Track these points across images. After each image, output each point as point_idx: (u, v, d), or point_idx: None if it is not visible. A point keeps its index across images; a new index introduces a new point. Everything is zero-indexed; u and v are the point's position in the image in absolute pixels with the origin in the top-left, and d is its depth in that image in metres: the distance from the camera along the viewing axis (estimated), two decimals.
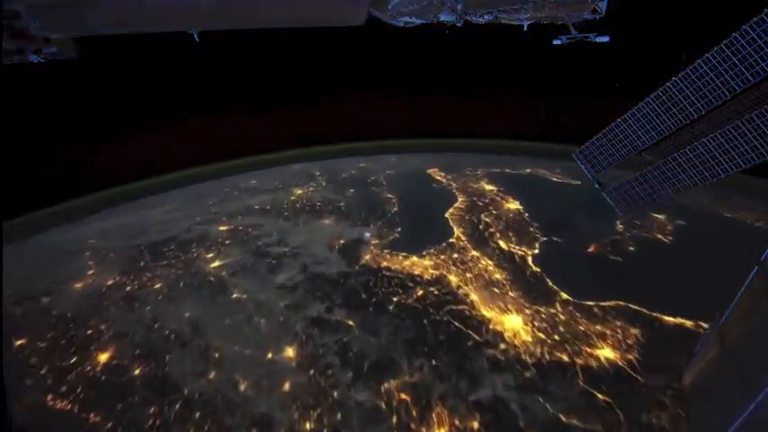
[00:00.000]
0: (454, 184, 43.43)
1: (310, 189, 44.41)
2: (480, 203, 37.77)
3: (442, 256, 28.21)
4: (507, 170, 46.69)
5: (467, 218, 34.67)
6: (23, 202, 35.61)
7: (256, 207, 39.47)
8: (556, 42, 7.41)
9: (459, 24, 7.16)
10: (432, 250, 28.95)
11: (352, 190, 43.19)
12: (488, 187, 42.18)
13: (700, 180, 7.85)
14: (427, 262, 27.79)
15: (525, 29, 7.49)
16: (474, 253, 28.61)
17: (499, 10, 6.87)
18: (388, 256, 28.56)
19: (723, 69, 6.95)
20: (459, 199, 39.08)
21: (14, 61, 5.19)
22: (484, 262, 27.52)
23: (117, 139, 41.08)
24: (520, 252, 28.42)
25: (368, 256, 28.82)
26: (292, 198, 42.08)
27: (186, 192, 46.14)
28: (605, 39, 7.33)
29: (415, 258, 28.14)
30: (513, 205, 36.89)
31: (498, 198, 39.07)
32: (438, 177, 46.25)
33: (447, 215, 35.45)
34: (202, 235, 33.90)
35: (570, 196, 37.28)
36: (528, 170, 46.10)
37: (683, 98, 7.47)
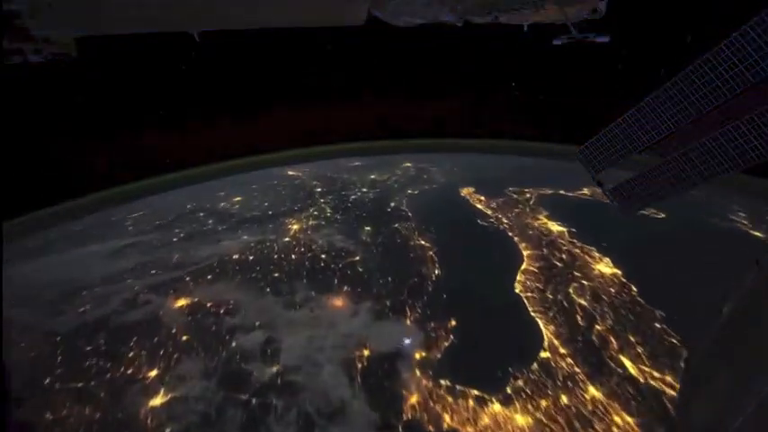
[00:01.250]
0: (506, 220, 31.57)
1: (311, 222, 32.87)
2: (557, 262, 25.50)
3: (544, 402, 16.12)
4: (561, 191, 35.63)
5: (550, 297, 22.27)
6: (23, 202, 35.68)
7: (235, 257, 28.02)
8: (556, 42, 7.42)
9: (459, 24, 7.17)
10: (519, 381, 17.10)
11: (368, 228, 31.10)
12: (554, 227, 29.82)
13: (699, 180, 7.87)
14: (521, 418, 15.66)
15: (525, 29, 7.50)
16: (593, 392, 16.53)
17: (499, 10, 6.88)
18: (449, 398, 16.52)
19: (723, 69, 6.96)
20: (525, 252, 26.79)
21: (14, 61, 5.19)
22: (619, 419, 15.36)
23: (117, 138, 41.16)
24: (667, 389, 16.45)
25: (414, 398, 16.65)
26: (286, 239, 30.19)
27: (158, 207, 37.01)
28: (605, 39, 7.34)
29: (497, 406, 16.12)
30: (606, 267, 24.51)
31: (578, 251, 26.63)
32: (479, 205, 34.81)
33: (518, 289, 23.27)
34: (149, 318, 21.93)
35: (665, 240, 25.50)
36: (585, 191, 34.98)
37: (682, 98, 7.48)
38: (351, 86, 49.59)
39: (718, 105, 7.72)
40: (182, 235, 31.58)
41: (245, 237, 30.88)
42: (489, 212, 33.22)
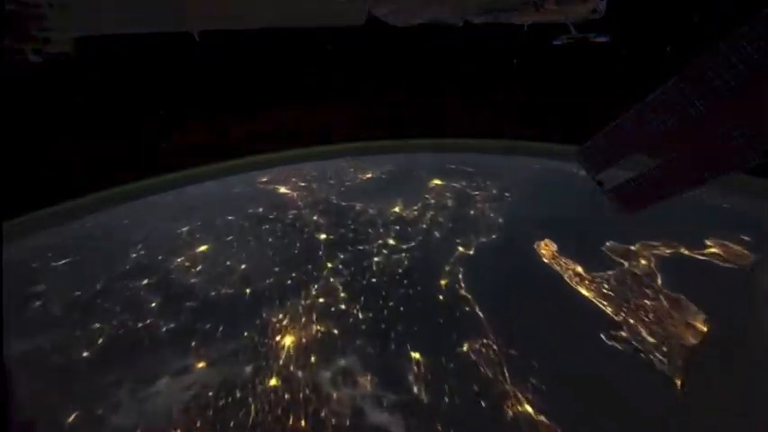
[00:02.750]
0: (649, 335, 18.27)
1: (314, 326, 19.28)
2: None
3: None
4: (683, 250, 24.00)
5: None
6: (23, 202, 35.64)
7: None
8: (556, 43, 7.42)
9: (459, 24, 7.16)
10: None
11: (416, 356, 17.43)
12: None
13: (700, 180, 7.86)
14: None
15: (525, 29, 7.51)
16: None
17: (499, 10, 6.88)
18: None
19: (723, 69, 6.96)
20: None
21: (15, 61, 5.19)
22: None
23: (117, 138, 41.18)
24: None
25: None
26: (271, 383, 16.60)
27: (90, 257, 25.77)
28: (605, 39, 7.35)
29: None
30: None
31: None
32: (583, 289, 21.66)
33: None
34: None
35: None
36: (711, 245, 23.89)
37: (683, 98, 7.48)
38: (351, 86, 49.58)
39: (719, 105, 7.71)
40: (100, 343, 18.14)
41: (201, 365, 17.28)
42: (609, 309, 19.79)
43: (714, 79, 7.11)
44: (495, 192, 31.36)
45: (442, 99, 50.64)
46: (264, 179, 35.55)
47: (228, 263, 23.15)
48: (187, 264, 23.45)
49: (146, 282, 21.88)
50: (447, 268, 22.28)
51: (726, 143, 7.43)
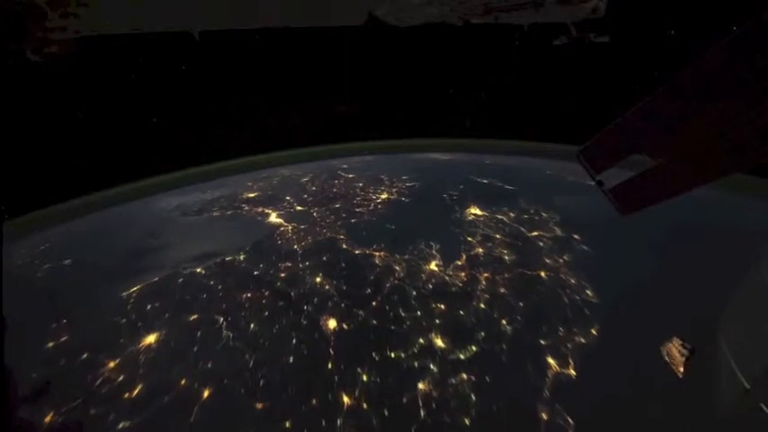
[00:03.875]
0: None
1: None
2: None
3: None
4: None
5: None
6: (23, 202, 35.67)
7: None
8: (556, 43, 7.44)
9: (459, 24, 7.17)
10: None
11: None
12: None
13: (699, 180, 7.86)
14: None
15: (525, 29, 7.52)
16: None
17: (499, 10, 6.90)
18: None
19: (723, 69, 6.96)
20: None
21: (15, 61, 5.19)
22: None
23: (117, 138, 41.23)
24: None
25: None
26: None
27: None
28: (605, 39, 7.36)
29: None
30: None
31: None
32: None
33: None
34: None
35: None
36: None
37: (682, 98, 7.49)
38: (351, 86, 49.65)
39: (719, 105, 7.72)
40: None
41: None
42: None
43: (714, 79, 7.13)
44: (558, 232, 22.01)
45: (441, 99, 50.73)
46: (252, 195, 27.15)
47: (183, 381, 13.38)
48: (120, 377, 13.56)
49: (48, 421, 12.02)
50: (544, 415, 12.24)
51: (726, 143, 7.44)
